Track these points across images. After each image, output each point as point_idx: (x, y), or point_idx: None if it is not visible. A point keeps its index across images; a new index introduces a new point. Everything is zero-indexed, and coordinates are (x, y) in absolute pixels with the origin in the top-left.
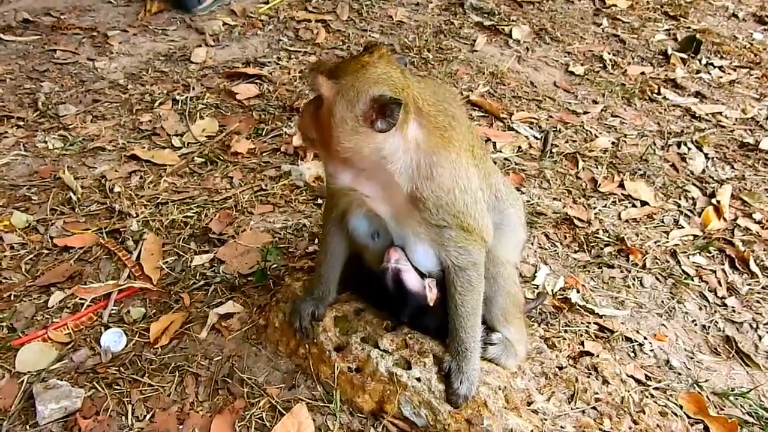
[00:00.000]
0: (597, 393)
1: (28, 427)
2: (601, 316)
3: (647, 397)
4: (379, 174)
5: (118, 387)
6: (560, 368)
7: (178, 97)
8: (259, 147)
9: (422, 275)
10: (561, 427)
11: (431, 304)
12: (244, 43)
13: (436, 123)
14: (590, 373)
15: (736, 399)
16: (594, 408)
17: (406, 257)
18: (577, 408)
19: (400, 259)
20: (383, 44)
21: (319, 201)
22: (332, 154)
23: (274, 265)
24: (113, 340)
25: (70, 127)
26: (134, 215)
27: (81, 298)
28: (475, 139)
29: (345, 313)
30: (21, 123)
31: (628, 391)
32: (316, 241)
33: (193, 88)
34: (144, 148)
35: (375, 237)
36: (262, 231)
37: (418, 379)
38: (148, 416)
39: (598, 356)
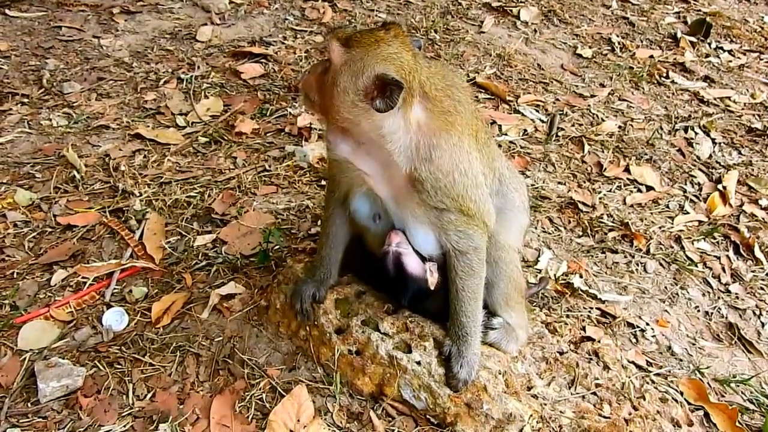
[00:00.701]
0: (597, 378)
1: (29, 404)
2: (603, 302)
3: (648, 383)
4: (377, 151)
5: (120, 366)
6: (561, 353)
7: (183, 76)
8: (263, 127)
9: (423, 259)
10: (560, 412)
11: (432, 288)
12: (250, 22)
13: (441, 107)
14: (591, 359)
15: (738, 386)
16: (594, 393)
17: (408, 241)
18: (577, 393)
19: (401, 243)
20: (398, 23)
21: (323, 182)
22: (331, 121)
23: (276, 247)
24: (115, 319)
25: (74, 104)
26: (137, 194)
27: (83, 277)
28: (479, 124)
29: (346, 296)
30: (25, 100)
31: (629, 377)
32: (319, 222)
33: (198, 67)
34: (148, 126)
35: (376, 219)
36: (265, 212)
37: (418, 363)
38: (149, 395)
39: (599, 341)
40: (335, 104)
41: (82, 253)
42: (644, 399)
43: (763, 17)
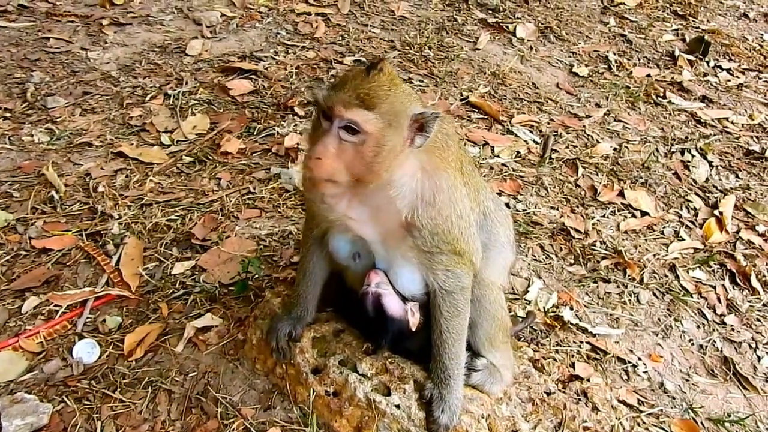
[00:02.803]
0: (586, 421)
1: None
2: (594, 335)
3: (638, 424)
4: (377, 197)
5: (88, 402)
6: (548, 394)
7: (170, 92)
8: (249, 147)
9: (404, 299)
10: None
11: (413, 329)
12: (241, 36)
13: (434, 141)
14: (579, 399)
15: (732, 425)
16: None
17: (388, 280)
18: None
19: (381, 283)
20: (384, 57)
21: None
22: (368, 184)
23: (257, 276)
24: (86, 351)
25: (58, 120)
26: (116, 217)
27: (56, 305)
28: (464, 155)
29: (324, 334)
30: (8, 114)
31: (618, 419)
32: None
33: (186, 83)
34: (132, 144)
35: (356, 258)
36: (247, 237)
37: (398, 406)
38: None
39: (588, 380)
40: (381, 165)
41: (56, 279)
42: None
43: (762, 35)
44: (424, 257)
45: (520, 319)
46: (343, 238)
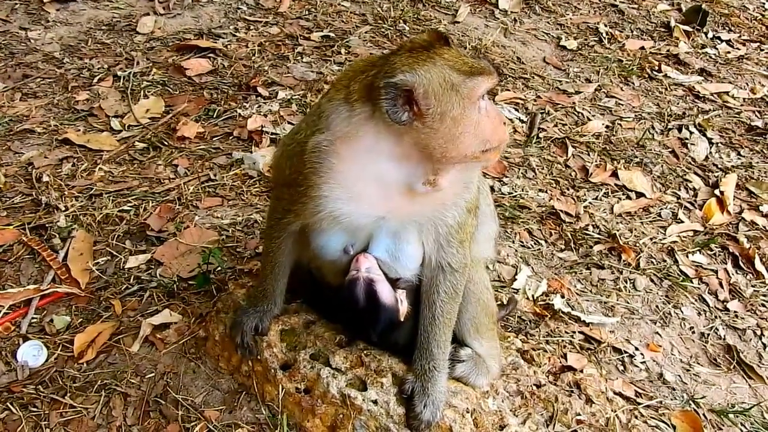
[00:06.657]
0: (579, 414)
1: None
2: (587, 324)
3: (636, 417)
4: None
5: (35, 409)
6: (538, 386)
7: (120, 73)
8: (209, 131)
9: (393, 287)
10: None
11: (401, 319)
12: (197, 12)
13: None
14: (572, 391)
15: (737, 416)
16: (575, 431)
17: (378, 266)
18: None
19: (372, 268)
20: (438, 30)
21: None
22: None
23: (219, 268)
24: (32, 353)
25: None
26: (63, 209)
27: None
28: None
29: (293, 326)
30: None
31: (614, 411)
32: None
33: (138, 63)
34: (79, 131)
35: (349, 249)
36: (208, 227)
37: (375, 402)
38: None
39: (581, 371)
40: None
41: None
42: None
43: (764, 3)
44: (463, 218)
45: (502, 308)
46: (335, 231)
